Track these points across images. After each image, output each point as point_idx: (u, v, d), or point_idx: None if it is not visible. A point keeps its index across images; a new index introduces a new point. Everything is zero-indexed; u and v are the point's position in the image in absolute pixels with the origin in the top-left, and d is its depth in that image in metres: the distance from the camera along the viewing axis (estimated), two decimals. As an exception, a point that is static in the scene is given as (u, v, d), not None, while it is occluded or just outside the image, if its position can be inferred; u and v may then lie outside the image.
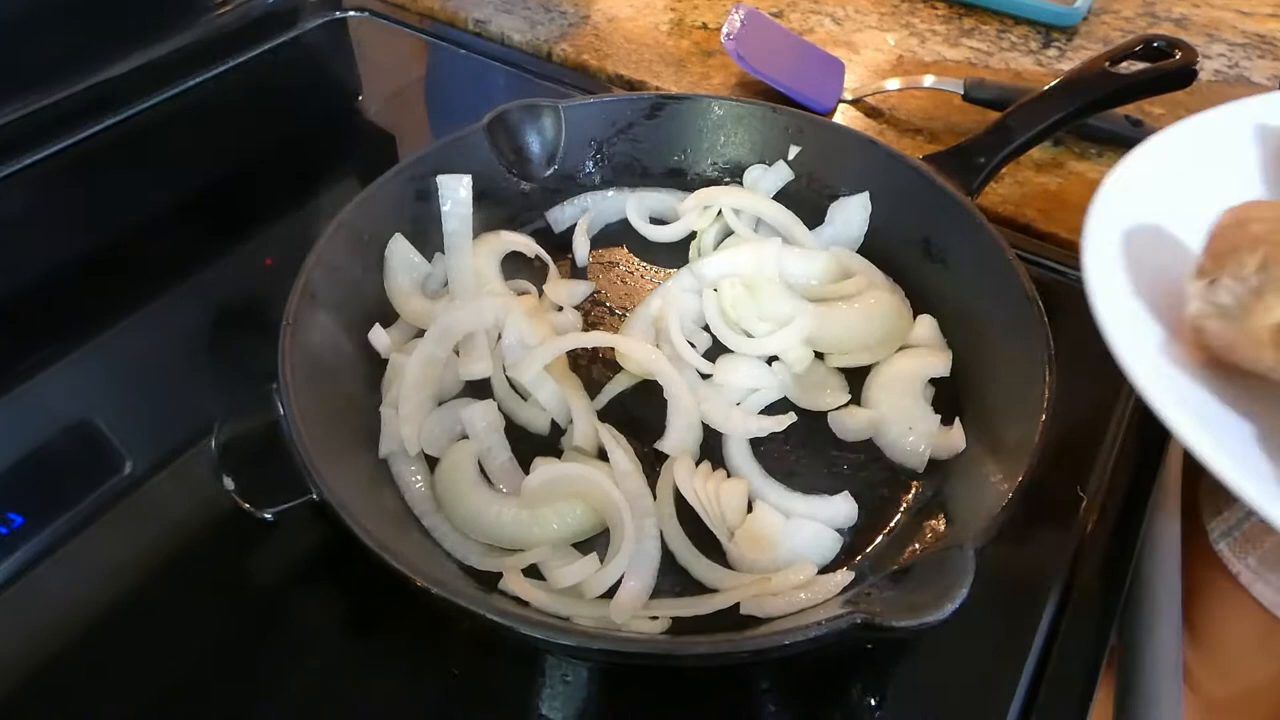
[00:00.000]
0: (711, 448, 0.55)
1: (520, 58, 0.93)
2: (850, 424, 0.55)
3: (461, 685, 0.46)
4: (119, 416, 0.59)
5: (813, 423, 0.56)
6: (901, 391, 0.56)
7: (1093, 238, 0.45)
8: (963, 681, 0.46)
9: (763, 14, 0.86)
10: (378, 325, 0.58)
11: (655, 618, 0.46)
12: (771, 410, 0.57)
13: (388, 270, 0.61)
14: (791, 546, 0.49)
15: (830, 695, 0.46)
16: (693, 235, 0.68)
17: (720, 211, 0.67)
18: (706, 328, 0.61)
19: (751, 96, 0.77)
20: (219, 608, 0.50)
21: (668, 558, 0.49)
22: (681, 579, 0.49)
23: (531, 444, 0.55)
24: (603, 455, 0.53)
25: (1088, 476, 0.53)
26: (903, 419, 0.54)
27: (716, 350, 0.60)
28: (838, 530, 0.50)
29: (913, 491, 0.53)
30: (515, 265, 0.66)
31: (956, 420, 0.54)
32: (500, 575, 0.47)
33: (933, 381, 0.57)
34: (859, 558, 0.50)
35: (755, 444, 0.55)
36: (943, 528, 0.49)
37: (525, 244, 0.66)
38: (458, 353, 0.58)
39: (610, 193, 0.70)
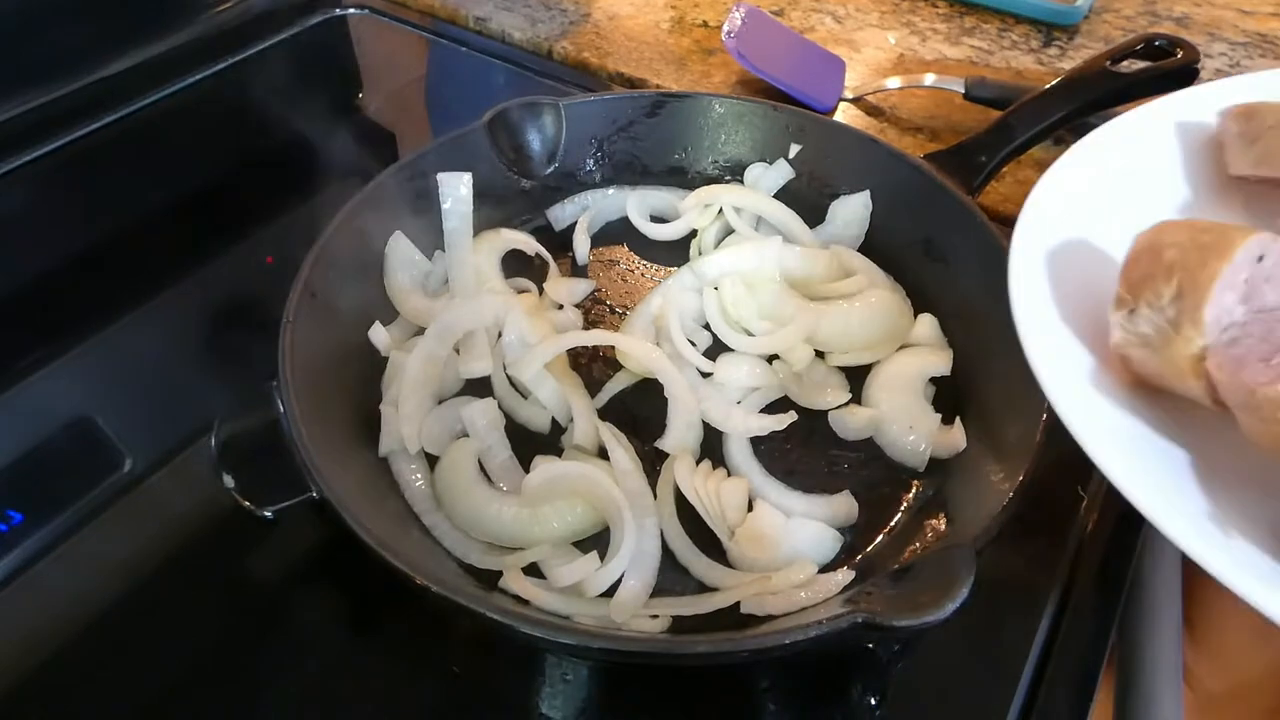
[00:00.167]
0: (712, 446, 0.55)
1: (521, 55, 0.93)
2: (851, 423, 0.55)
3: (461, 684, 0.46)
4: (119, 414, 0.59)
5: (813, 421, 0.56)
6: (902, 390, 0.56)
7: (1019, 260, 0.44)
8: (963, 681, 0.46)
9: (763, 12, 0.85)
10: (378, 323, 0.58)
11: (655, 616, 0.46)
12: (772, 409, 0.57)
13: (388, 268, 0.61)
14: (792, 545, 0.49)
15: (830, 694, 0.46)
16: (693, 233, 0.68)
17: (721, 210, 0.67)
18: (707, 326, 0.61)
19: (752, 95, 0.77)
20: (219, 606, 0.50)
21: (668, 556, 0.49)
22: (682, 578, 0.49)
23: (532, 442, 0.55)
24: (603, 454, 0.53)
25: (1088, 476, 0.53)
26: (903, 418, 0.54)
27: (717, 349, 0.60)
28: (838, 529, 0.50)
29: (913, 490, 0.53)
30: (516, 263, 0.66)
31: (957, 419, 0.54)
32: (500, 574, 0.47)
33: (933, 380, 0.57)
34: (859, 557, 0.50)
35: (756, 443, 0.55)
36: (943, 527, 0.49)
37: (526, 242, 0.66)
38: (458, 351, 0.58)
39: (611, 191, 0.70)
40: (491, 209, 0.66)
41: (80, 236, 0.73)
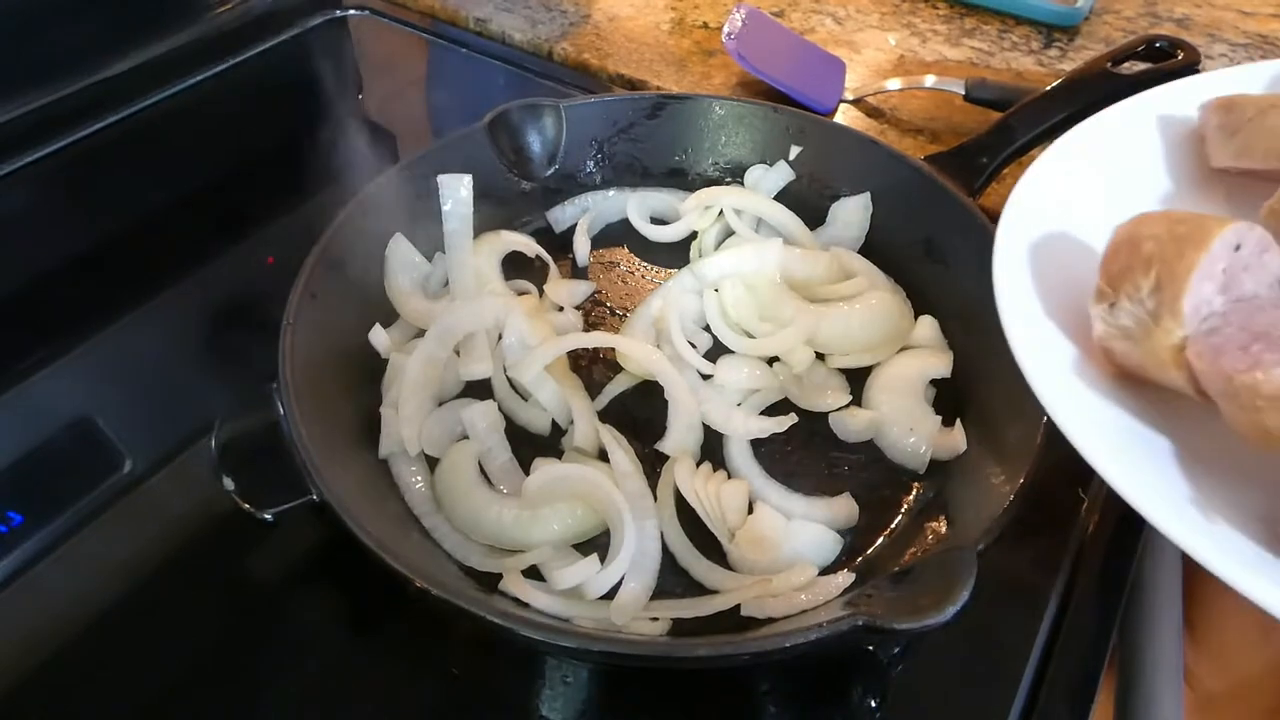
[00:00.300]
0: (712, 449, 0.55)
1: (521, 57, 0.92)
2: (851, 425, 0.55)
3: (461, 685, 0.46)
4: (119, 415, 0.59)
5: (813, 424, 0.56)
6: (902, 392, 0.56)
7: (1003, 255, 0.44)
8: (964, 682, 0.46)
9: (764, 13, 0.85)
10: (378, 325, 0.58)
11: (656, 619, 0.46)
12: (772, 411, 0.57)
13: (388, 270, 0.61)
14: (792, 548, 0.49)
15: (831, 696, 0.46)
16: (693, 235, 0.68)
17: (721, 212, 0.67)
18: (707, 328, 0.61)
19: (752, 96, 0.77)
20: (219, 608, 0.50)
21: (668, 559, 0.49)
22: (682, 580, 0.49)
23: (532, 445, 0.55)
24: (603, 456, 0.53)
25: (1089, 478, 0.53)
26: (904, 420, 0.54)
27: (717, 351, 0.60)
28: (838, 531, 0.50)
29: (914, 493, 0.53)
30: (516, 265, 0.66)
31: (957, 421, 0.54)
32: (500, 576, 0.47)
33: (934, 382, 0.57)
34: (860, 559, 0.50)
35: (756, 445, 0.55)
36: (944, 529, 0.49)
37: (526, 244, 0.66)
38: (458, 353, 0.58)
39: (611, 192, 0.70)
40: (492, 210, 0.66)
41: (80, 237, 0.73)
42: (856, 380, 0.58)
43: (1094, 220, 0.44)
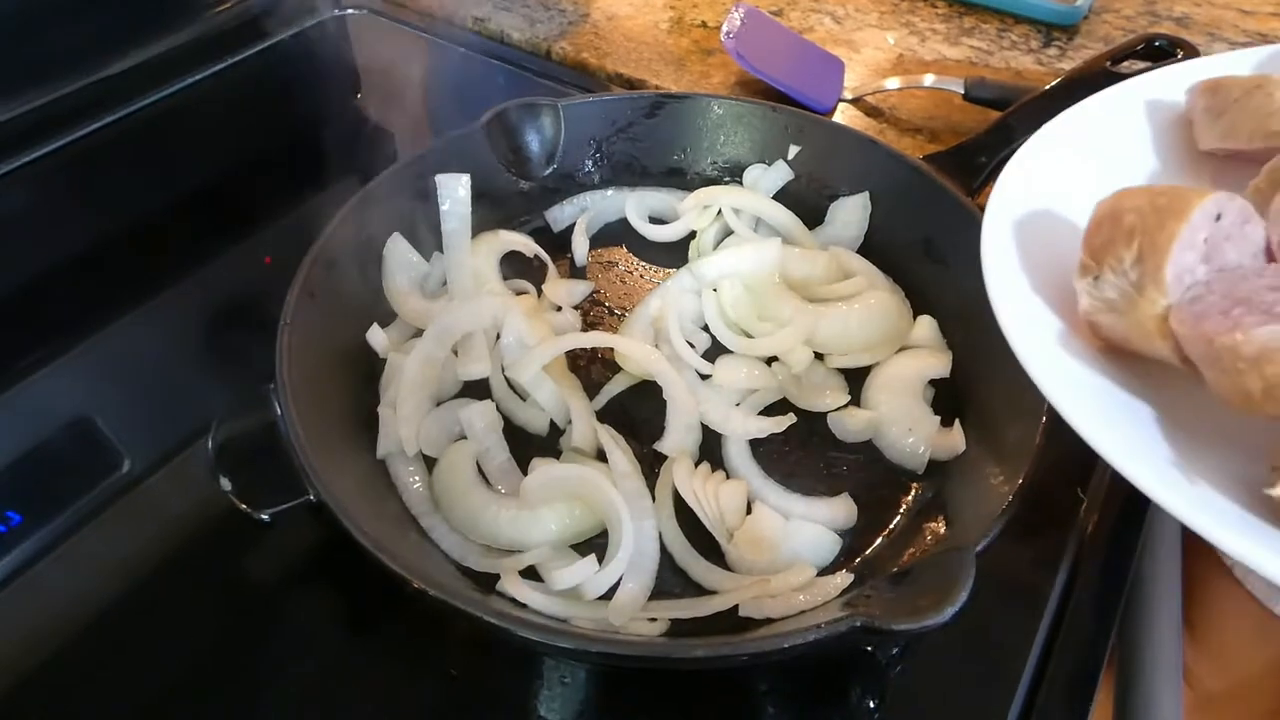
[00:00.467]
0: (711, 449, 0.55)
1: (519, 56, 0.92)
2: (850, 425, 0.55)
3: (459, 685, 0.46)
4: (117, 415, 0.59)
5: (812, 424, 0.56)
6: (901, 392, 0.56)
7: (991, 233, 0.45)
8: (963, 682, 0.46)
9: (762, 12, 0.85)
10: (376, 325, 0.58)
11: (654, 619, 0.46)
12: (771, 411, 0.56)
13: (386, 270, 0.61)
14: (791, 548, 0.49)
15: (829, 697, 0.46)
16: (692, 235, 0.67)
17: (720, 211, 0.67)
18: (706, 328, 0.61)
19: (751, 95, 0.77)
20: (216, 608, 0.49)
21: (666, 559, 0.49)
22: (680, 580, 0.49)
23: (530, 444, 0.55)
24: (601, 456, 0.53)
25: (1088, 478, 0.53)
26: (902, 420, 0.54)
27: (716, 351, 0.60)
28: (837, 532, 0.50)
29: (912, 493, 0.53)
30: (514, 265, 0.66)
31: (956, 421, 0.54)
32: (498, 576, 0.47)
33: (933, 382, 0.57)
34: (858, 559, 0.50)
35: (754, 445, 0.55)
36: (943, 529, 0.49)
37: (524, 243, 0.65)
38: (456, 353, 0.58)
39: (609, 192, 0.70)
40: (490, 210, 0.66)
41: (80, 236, 0.73)
42: (855, 380, 0.58)
43: (1081, 200, 0.45)
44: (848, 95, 0.84)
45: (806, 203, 0.67)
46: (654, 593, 0.48)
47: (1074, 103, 0.63)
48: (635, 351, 0.56)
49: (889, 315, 0.60)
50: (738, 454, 0.54)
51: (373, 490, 0.51)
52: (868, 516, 0.51)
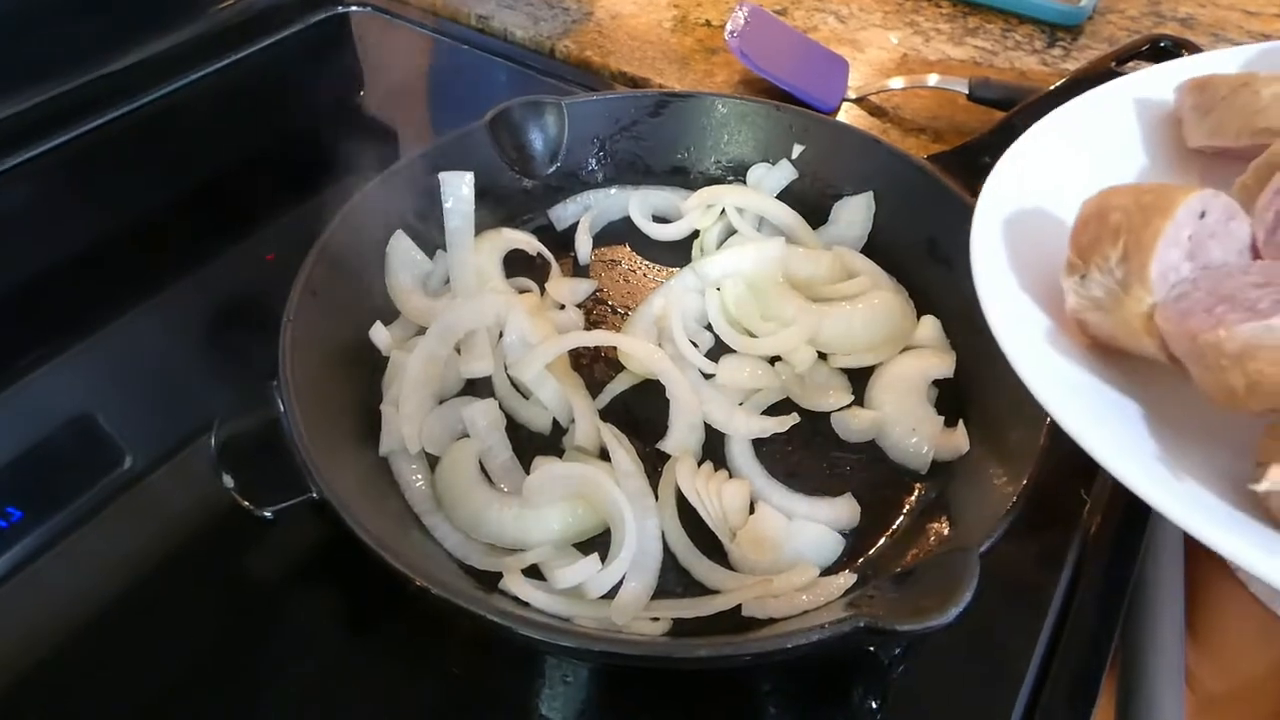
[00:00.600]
0: (714, 448, 0.55)
1: (523, 54, 0.92)
2: (853, 425, 0.55)
3: (461, 684, 0.46)
4: (119, 412, 0.59)
5: (815, 423, 0.56)
6: (905, 392, 0.56)
7: (980, 231, 0.45)
8: (966, 683, 0.46)
9: (767, 11, 0.85)
10: (379, 323, 0.58)
11: (656, 619, 0.46)
12: (774, 411, 0.56)
13: (389, 267, 0.61)
14: (794, 548, 0.49)
15: (832, 697, 0.46)
16: (696, 234, 0.67)
17: (723, 210, 0.67)
18: (709, 327, 0.61)
19: (755, 94, 0.77)
20: (217, 605, 0.49)
21: (669, 559, 0.49)
22: (683, 580, 0.49)
23: (533, 443, 0.55)
24: (604, 455, 0.53)
25: (1092, 479, 0.53)
26: (906, 420, 0.54)
27: (719, 350, 0.60)
28: (840, 532, 0.50)
29: (916, 493, 0.53)
30: (517, 263, 0.65)
31: (960, 422, 0.54)
32: (500, 575, 0.47)
33: (936, 383, 0.57)
34: (861, 560, 0.50)
35: (757, 445, 0.55)
36: (946, 530, 0.49)
37: (527, 242, 0.65)
38: (459, 351, 0.58)
39: (613, 190, 0.70)
40: (493, 208, 0.66)
41: (81, 234, 0.73)
42: (859, 380, 0.58)
43: (1070, 198, 0.45)
44: (852, 95, 0.84)
45: (810, 202, 0.67)
46: (657, 592, 0.47)
47: (1079, 104, 0.63)
48: (638, 350, 0.56)
49: (892, 315, 0.60)
50: (741, 453, 0.54)
51: (375, 488, 0.51)
52: (871, 517, 0.51)
